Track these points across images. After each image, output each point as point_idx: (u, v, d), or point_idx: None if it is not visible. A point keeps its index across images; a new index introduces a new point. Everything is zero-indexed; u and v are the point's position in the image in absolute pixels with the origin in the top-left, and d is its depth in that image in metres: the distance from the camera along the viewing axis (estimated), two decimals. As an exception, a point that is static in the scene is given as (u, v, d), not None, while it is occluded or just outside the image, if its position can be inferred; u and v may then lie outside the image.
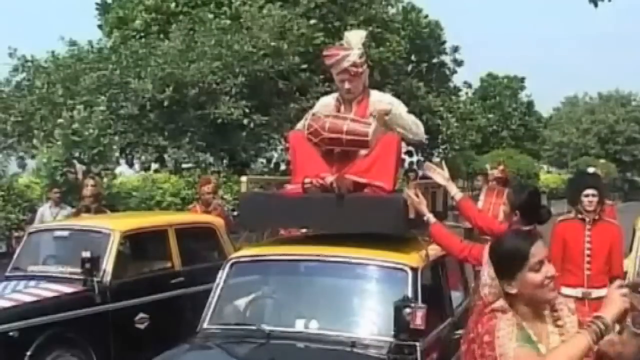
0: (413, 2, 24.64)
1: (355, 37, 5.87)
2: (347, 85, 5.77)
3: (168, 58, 18.58)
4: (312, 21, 20.37)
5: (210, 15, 20.37)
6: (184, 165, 19.49)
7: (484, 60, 77.97)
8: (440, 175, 5.63)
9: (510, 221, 5.31)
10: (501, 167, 11.16)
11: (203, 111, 18.53)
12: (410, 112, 6.12)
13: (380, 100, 5.93)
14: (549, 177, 43.54)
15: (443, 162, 6.00)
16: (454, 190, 5.65)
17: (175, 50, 18.77)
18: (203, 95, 18.50)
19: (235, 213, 10.47)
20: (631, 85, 58.92)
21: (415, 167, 26.47)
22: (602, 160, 44.24)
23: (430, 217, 5.38)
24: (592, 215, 6.74)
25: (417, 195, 5.41)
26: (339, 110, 5.85)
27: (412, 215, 5.33)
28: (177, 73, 18.30)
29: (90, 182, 10.16)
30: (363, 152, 5.64)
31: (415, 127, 5.94)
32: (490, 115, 44.40)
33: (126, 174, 18.98)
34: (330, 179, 5.45)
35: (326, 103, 6.05)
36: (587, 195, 6.71)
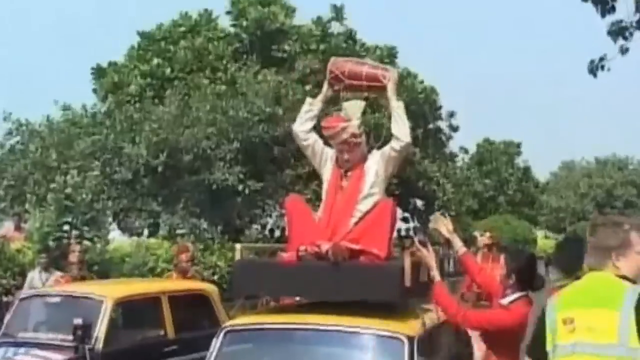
0: (409, 68, 24.90)
1: (354, 108, 5.92)
2: (346, 156, 5.85)
3: (163, 123, 18.74)
4: (308, 87, 20.48)
5: (206, 81, 20.60)
6: (178, 231, 19.49)
7: (480, 125, 78.49)
8: (445, 227, 5.74)
9: (506, 285, 5.35)
10: (488, 234, 11.21)
11: (197, 177, 18.59)
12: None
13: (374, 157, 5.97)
14: (547, 242, 43.57)
15: (447, 215, 6.07)
16: (458, 244, 5.74)
17: (170, 116, 18.93)
18: (198, 160, 18.60)
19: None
20: (628, 149, 59.30)
21: (411, 233, 26.39)
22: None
23: (436, 274, 5.44)
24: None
25: (426, 248, 5.50)
26: (340, 177, 5.90)
27: (408, 283, 5.35)
28: (171, 138, 18.44)
29: (77, 247, 10.15)
30: (356, 218, 5.70)
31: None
32: (487, 181, 44.68)
33: (119, 239, 19.00)
34: (325, 246, 5.46)
35: (328, 152, 6.07)
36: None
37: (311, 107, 6.13)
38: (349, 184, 5.84)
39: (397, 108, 5.90)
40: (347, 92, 5.97)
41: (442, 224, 5.75)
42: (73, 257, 9.85)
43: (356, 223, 5.70)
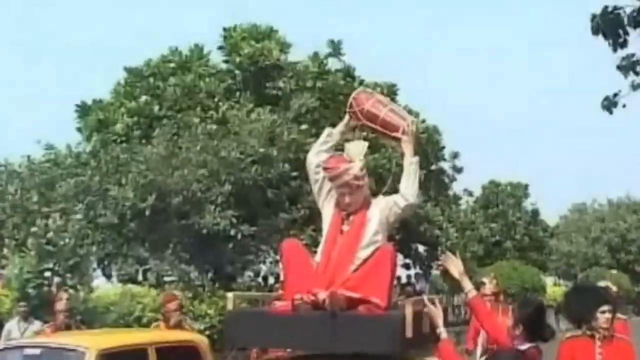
0: (410, 106, 25.00)
1: (357, 148, 5.96)
2: (347, 200, 5.89)
3: (150, 164, 18.75)
4: (304, 126, 20.62)
5: (196, 120, 20.64)
6: (166, 279, 19.41)
7: (485, 166, 78.51)
8: (455, 267, 5.74)
9: (513, 335, 5.34)
10: (494, 282, 11.19)
11: (187, 221, 18.56)
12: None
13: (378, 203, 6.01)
14: (557, 290, 43.39)
15: (457, 254, 6.08)
16: (468, 286, 5.74)
17: (158, 156, 18.95)
18: (187, 204, 18.58)
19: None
20: (642, 191, 59.21)
21: (413, 280, 26.35)
22: (613, 271, 44.22)
23: (443, 331, 5.46)
24: (604, 332, 6.64)
25: (433, 304, 5.54)
26: (341, 221, 5.93)
27: (409, 334, 5.34)
28: (159, 180, 18.45)
29: (64, 295, 10.15)
30: (355, 265, 5.72)
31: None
32: (493, 225, 44.69)
33: (103, 287, 18.90)
34: (322, 295, 5.48)
35: (334, 193, 6.08)
36: (603, 312, 6.56)
37: (329, 138, 6.23)
38: (350, 230, 5.88)
39: (410, 164, 5.98)
40: (362, 131, 6.09)
41: (453, 264, 5.76)
42: (60, 305, 9.84)
43: (355, 270, 5.72)
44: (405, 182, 5.94)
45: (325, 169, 5.98)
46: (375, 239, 5.82)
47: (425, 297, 5.67)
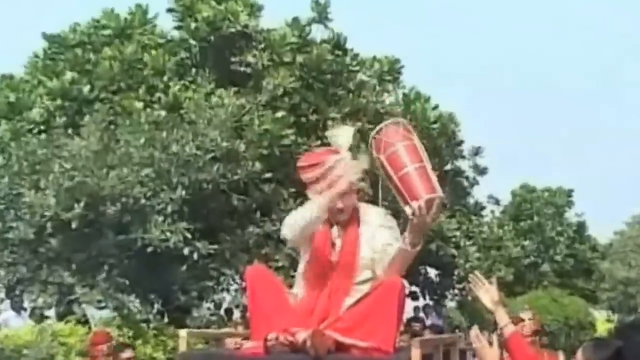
0: (417, 88, 24.88)
1: (345, 136, 6.11)
2: (339, 205, 5.98)
3: (79, 162, 18.64)
4: (280, 113, 20.54)
5: (139, 104, 20.55)
6: (97, 312, 19.35)
7: (516, 166, 78.31)
8: (488, 294, 5.82)
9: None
10: (535, 317, 11.21)
11: (126, 236, 18.52)
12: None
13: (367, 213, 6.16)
14: (610, 327, 43.51)
15: (494, 278, 6.17)
16: (505, 320, 5.84)
17: (88, 152, 18.83)
18: (127, 214, 18.54)
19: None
20: None
21: (421, 314, 26.24)
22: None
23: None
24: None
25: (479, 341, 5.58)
26: (331, 238, 6.04)
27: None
28: (91, 183, 18.33)
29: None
30: (354, 298, 5.86)
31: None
32: (526, 243, 44.87)
33: (15, 323, 18.90)
34: (302, 335, 5.54)
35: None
36: None
37: (318, 217, 6.07)
38: (343, 249, 6.01)
39: (405, 251, 5.93)
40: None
41: (485, 291, 5.79)
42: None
43: (352, 305, 5.83)
44: (389, 268, 5.95)
45: (303, 168, 6.05)
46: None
47: (474, 331, 5.66)
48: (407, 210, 5.87)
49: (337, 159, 5.93)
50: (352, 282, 5.93)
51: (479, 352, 5.50)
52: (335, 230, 6.12)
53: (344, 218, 6.03)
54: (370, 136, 6.16)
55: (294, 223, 6.02)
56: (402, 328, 7.05)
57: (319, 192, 5.95)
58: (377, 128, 6.13)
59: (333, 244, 6.05)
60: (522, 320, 10.67)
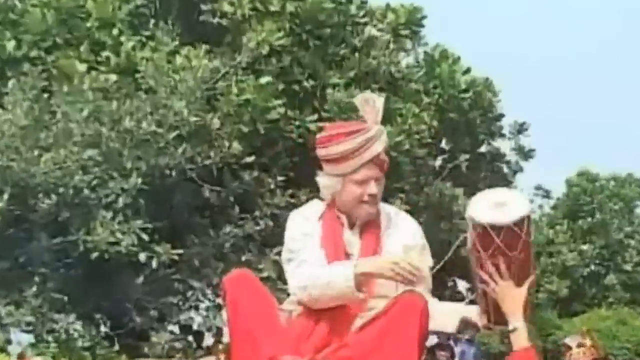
0: (444, 46, 24.84)
1: (373, 103, 5.90)
2: (372, 189, 5.81)
3: (1, 141, 18.61)
4: (265, 79, 20.55)
5: (81, 66, 20.52)
6: (25, 337, 19.10)
7: (572, 148, 79.40)
8: (506, 292, 5.54)
9: None
10: (589, 342, 10.67)
11: (64, 238, 18.51)
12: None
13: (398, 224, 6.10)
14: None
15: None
16: (521, 340, 5.52)
17: (14, 127, 18.75)
18: (65, 209, 18.49)
19: None
20: None
21: (450, 341, 26.28)
22: None
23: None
24: None
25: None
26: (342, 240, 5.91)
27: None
28: (17, 168, 18.27)
29: None
30: (362, 320, 5.73)
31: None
32: (585, 247, 44.84)
33: None
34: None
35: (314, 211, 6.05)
36: None
37: (350, 287, 5.71)
38: (362, 252, 5.84)
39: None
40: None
41: (502, 288, 5.54)
42: None
43: (361, 327, 5.69)
44: None
45: (332, 138, 5.85)
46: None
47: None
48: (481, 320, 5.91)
49: (380, 128, 5.80)
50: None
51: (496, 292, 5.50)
52: (349, 235, 5.96)
53: (370, 212, 5.85)
54: None
55: (313, 285, 5.77)
56: (424, 357, 6.81)
57: (348, 172, 5.78)
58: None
59: (347, 255, 5.87)
60: (570, 348, 10.52)
